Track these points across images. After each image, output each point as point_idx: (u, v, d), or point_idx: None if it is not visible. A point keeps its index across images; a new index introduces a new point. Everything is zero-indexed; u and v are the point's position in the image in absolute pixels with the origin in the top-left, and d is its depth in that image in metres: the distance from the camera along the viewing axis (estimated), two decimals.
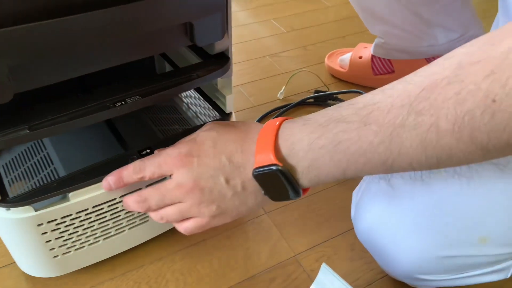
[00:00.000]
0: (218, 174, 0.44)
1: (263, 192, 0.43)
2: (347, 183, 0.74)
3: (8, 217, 0.48)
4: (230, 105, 0.61)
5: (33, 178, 0.58)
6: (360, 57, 0.98)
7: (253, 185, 0.43)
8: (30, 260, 0.55)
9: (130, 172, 0.48)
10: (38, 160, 0.59)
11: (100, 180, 0.50)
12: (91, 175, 0.51)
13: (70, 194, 0.50)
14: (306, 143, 0.39)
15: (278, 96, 0.94)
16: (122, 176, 0.48)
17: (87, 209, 0.52)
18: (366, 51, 0.99)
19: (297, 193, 0.42)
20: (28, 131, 0.43)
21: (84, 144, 0.60)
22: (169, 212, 0.47)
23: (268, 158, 0.40)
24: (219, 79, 0.60)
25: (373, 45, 0.97)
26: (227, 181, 0.44)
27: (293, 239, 0.65)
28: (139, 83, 0.50)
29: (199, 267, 0.61)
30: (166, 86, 0.50)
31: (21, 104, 0.45)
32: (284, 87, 0.95)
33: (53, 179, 0.57)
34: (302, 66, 1.06)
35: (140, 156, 0.53)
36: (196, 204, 0.45)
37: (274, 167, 0.40)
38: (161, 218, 0.47)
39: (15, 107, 0.44)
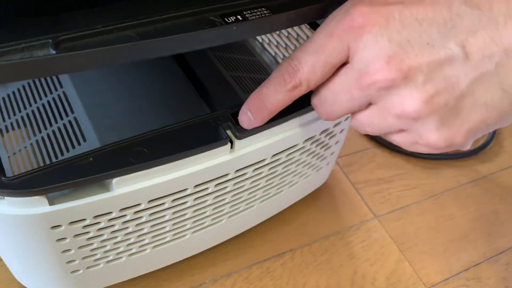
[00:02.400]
0: (446, 35, 0.22)
1: None
2: (487, 180, 0.53)
3: (1, 211, 0.26)
4: None
5: (40, 132, 0.35)
6: None
7: None
8: (32, 273, 0.33)
9: (274, 83, 0.26)
10: (51, 102, 0.36)
11: (168, 157, 0.28)
12: (154, 149, 0.28)
13: (115, 181, 0.27)
14: None
15: None
16: (262, 96, 0.27)
17: (140, 204, 0.30)
18: None
19: None
20: (52, 50, 0.20)
21: (134, 90, 0.36)
22: (362, 120, 0.25)
23: None
24: None
25: None
26: (465, 48, 0.22)
27: (419, 261, 0.44)
28: None
29: None
30: None
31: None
32: None
33: (79, 138, 0.34)
34: None
35: (233, 120, 0.30)
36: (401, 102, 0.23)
37: None
38: (356, 126, 0.26)
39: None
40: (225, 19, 0.24)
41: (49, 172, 0.26)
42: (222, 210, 0.35)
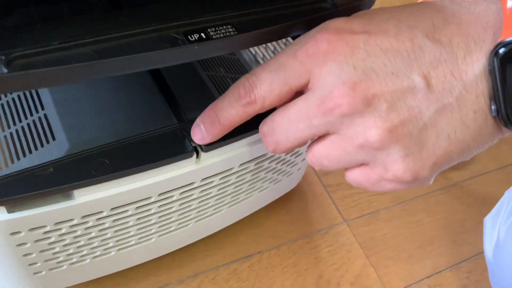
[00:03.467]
0: (409, 66, 0.22)
1: (494, 106, 0.22)
2: (457, 188, 0.54)
3: None
4: None
5: (9, 128, 0.35)
6: None
7: (483, 87, 0.22)
8: None
9: (230, 97, 0.26)
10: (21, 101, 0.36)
11: (129, 170, 0.28)
12: (116, 161, 0.28)
13: (76, 191, 0.27)
14: None
15: None
16: (217, 109, 0.26)
17: (102, 212, 0.30)
18: None
19: None
20: (4, 69, 0.19)
21: (103, 98, 0.36)
22: (319, 152, 0.25)
23: None
24: None
25: None
26: (427, 80, 0.22)
27: (384, 267, 0.45)
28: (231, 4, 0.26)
29: None
30: (289, 14, 0.26)
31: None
32: None
33: (48, 137, 0.33)
34: None
35: None
36: (362, 133, 0.23)
37: None
38: (312, 161, 0.25)
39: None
40: (188, 37, 0.23)
41: (9, 182, 0.26)
42: (188, 216, 0.36)
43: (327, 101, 0.22)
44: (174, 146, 0.30)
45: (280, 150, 0.26)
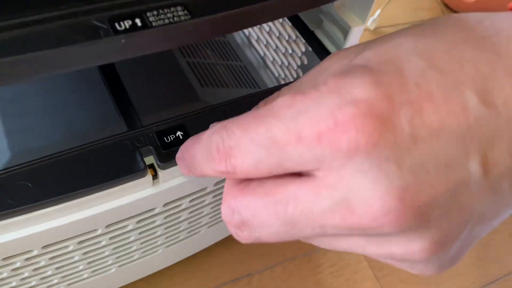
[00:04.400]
0: (465, 151, 0.15)
1: None
2: None
3: None
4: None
5: None
6: None
7: None
8: None
9: (204, 152, 0.18)
10: None
11: (59, 198, 0.21)
12: (42, 184, 0.21)
13: None
14: None
15: (368, 25, 0.62)
16: (191, 157, 0.19)
17: (32, 251, 0.23)
18: None
19: None
20: None
21: (39, 100, 0.28)
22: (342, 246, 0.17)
23: None
24: None
25: None
26: (485, 166, 0.15)
27: None
28: None
29: None
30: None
31: None
32: (378, 11, 0.62)
33: None
34: None
35: (159, 142, 0.23)
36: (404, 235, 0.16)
37: None
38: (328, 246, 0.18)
39: None
40: (116, 24, 0.16)
41: None
42: (154, 243, 0.29)
43: (353, 216, 0.15)
44: (122, 163, 0.23)
45: (260, 242, 0.18)
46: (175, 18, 0.17)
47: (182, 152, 0.20)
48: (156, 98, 0.27)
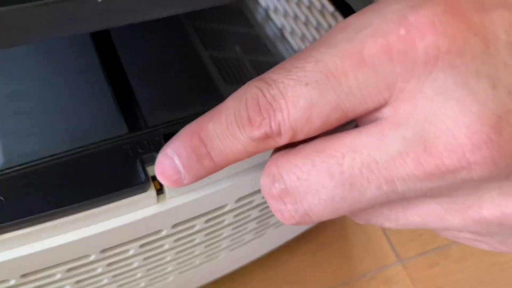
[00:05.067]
0: None
1: None
2: None
3: None
4: None
5: None
6: None
7: None
8: None
9: (231, 119, 0.13)
10: None
11: (40, 216, 0.17)
12: (19, 198, 0.17)
13: None
14: None
15: None
16: (205, 135, 0.14)
17: (8, 280, 0.19)
18: None
19: None
20: None
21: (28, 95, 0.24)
22: (409, 219, 0.14)
23: None
24: None
25: None
26: None
27: None
28: None
29: None
30: None
31: None
32: None
33: None
34: None
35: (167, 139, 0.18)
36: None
37: None
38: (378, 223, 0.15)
39: None
40: None
41: None
42: (164, 269, 0.24)
43: (438, 156, 0.11)
44: (119, 174, 0.18)
45: (309, 222, 0.14)
46: None
47: (180, 141, 0.15)
48: (167, 95, 0.22)
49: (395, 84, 0.11)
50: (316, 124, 0.12)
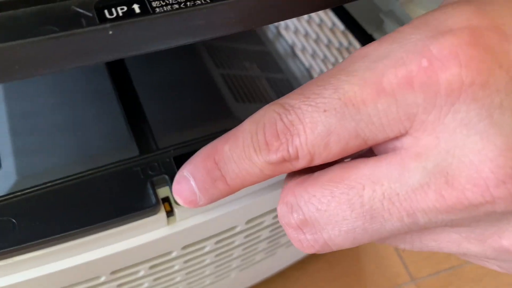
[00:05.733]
0: None
1: None
2: None
3: None
4: None
5: None
6: None
7: None
8: None
9: (248, 143, 0.13)
10: None
11: (49, 240, 0.17)
12: (29, 221, 0.17)
13: None
14: None
15: None
16: (221, 158, 0.14)
17: None
18: None
19: None
20: None
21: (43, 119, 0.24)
22: (426, 245, 0.14)
23: None
24: None
25: None
26: None
27: None
28: None
29: None
30: None
31: None
32: None
33: None
34: None
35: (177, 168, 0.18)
36: None
37: None
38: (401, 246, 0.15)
39: None
40: (105, 12, 0.11)
41: None
42: None
43: (460, 189, 0.11)
44: (129, 196, 0.18)
45: (328, 250, 0.14)
46: (187, 3, 0.12)
47: (196, 164, 0.15)
48: (178, 116, 0.22)
49: (416, 114, 0.11)
50: (334, 150, 0.12)
